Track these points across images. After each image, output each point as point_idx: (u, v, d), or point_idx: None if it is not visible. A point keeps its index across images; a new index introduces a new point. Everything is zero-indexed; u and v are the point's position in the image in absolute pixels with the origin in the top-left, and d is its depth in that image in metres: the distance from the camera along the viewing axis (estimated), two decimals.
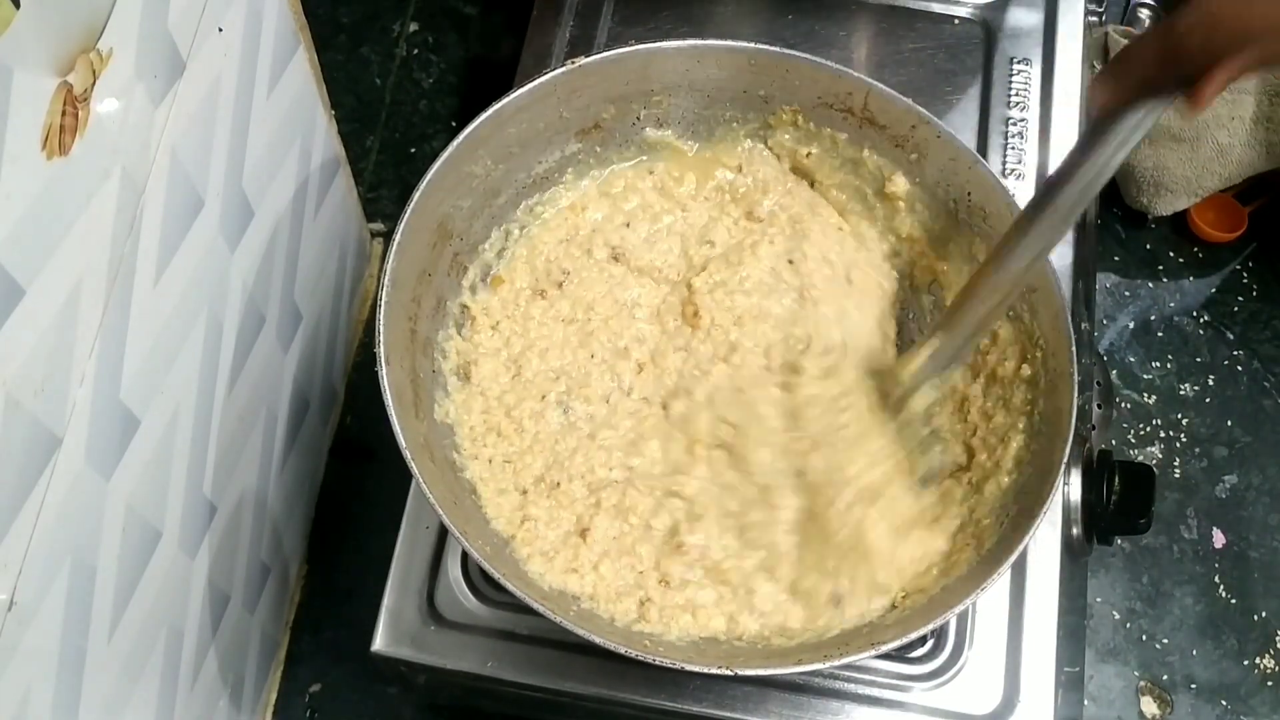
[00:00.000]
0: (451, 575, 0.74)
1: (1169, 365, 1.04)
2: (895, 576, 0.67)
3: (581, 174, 0.79)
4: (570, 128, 0.76)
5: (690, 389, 0.73)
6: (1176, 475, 1.00)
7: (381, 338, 0.64)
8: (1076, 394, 0.65)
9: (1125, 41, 1.02)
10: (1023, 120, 0.89)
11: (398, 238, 0.67)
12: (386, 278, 0.66)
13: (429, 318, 0.71)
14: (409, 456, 0.61)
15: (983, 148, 0.88)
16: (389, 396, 0.62)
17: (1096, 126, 0.56)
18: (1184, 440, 1.01)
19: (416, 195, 0.68)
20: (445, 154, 0.69)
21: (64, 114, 0.49)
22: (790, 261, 0.76)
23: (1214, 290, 1.07)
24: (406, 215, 0.67)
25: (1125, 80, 0.54)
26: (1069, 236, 0.85)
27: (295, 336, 0.87)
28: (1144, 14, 1.10)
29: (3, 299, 0.46)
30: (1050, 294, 0.69)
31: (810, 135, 0.78)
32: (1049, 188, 0.61)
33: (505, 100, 0.71)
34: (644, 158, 0.79)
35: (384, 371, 0.63)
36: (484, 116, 0.71)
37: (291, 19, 0.75)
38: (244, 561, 0.82)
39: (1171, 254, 1.08)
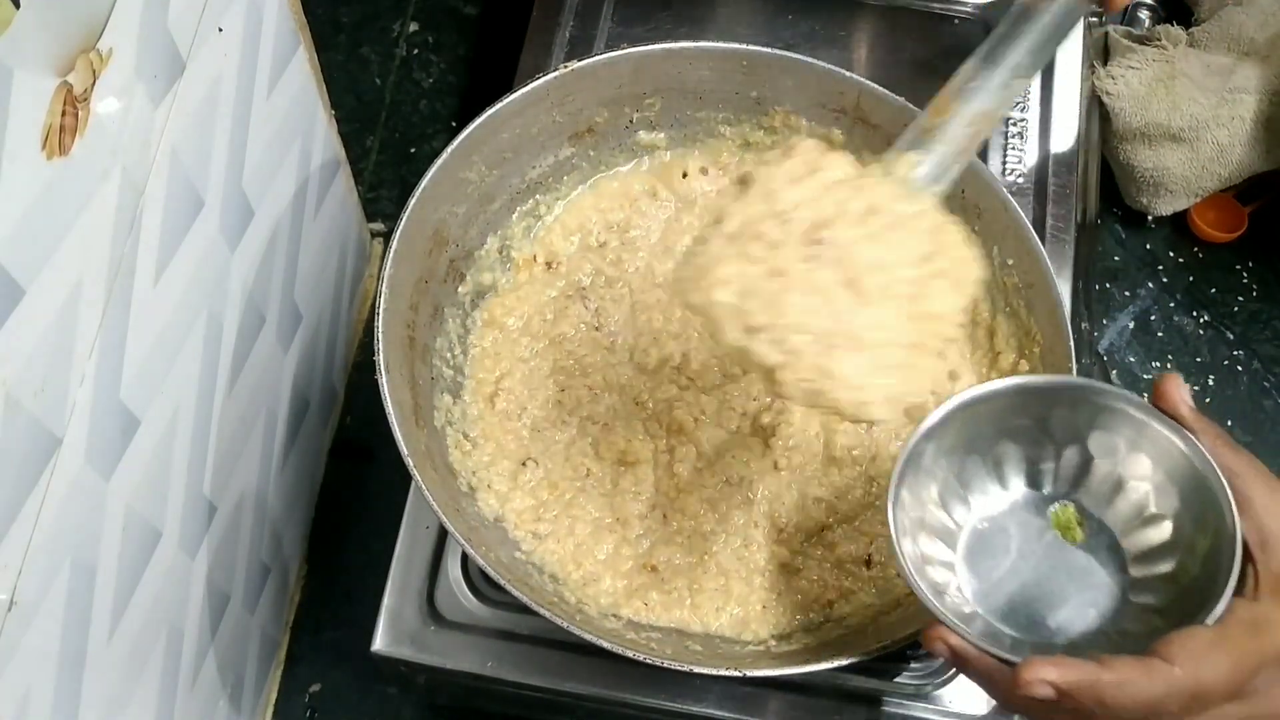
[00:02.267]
0: (451, 575, 0.74)
1: (1169, 365, 1.04)
2: None
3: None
4: (563, 132, 0.76)
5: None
6: None
7: (381, 346, 0.64)
8: None
9: (1126, 42, 1.02)
10: (1023, 120, 0.89)
11: (394, 245, 0.67)
12: (384, 286, 0.66)
13: (426, 325, 0.71)
14: (411, 465, 0.61)
15: (982, 148, 0.88)
16: (390, 406, 0.62)
17: None
18: None
19: (412, 203, 0.68)
20: (439, 161, 0.69)
21: (64, 114, 0.49)
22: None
23: (1214, 290, 1.07)
24: (402, 223, 0.67)
25: None
26: (1069, 234, 0.86)
27: (295, 336, 0.87)
28: (1144, 14, 1.10)
29: (3, 299, 0.46)
30: (1046, 289, 0.69)
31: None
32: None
33: (498, 105, 0.71)
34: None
35: (384, 380, 0.63)
36: (477, 122, 0.71)
37: (291, 19, 0.75)
38: (244, 561, 0.82)
39: (1171, 254, 1.08)
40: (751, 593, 0.69)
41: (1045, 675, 0.47)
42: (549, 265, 0.78)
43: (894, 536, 0.55)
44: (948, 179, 0.58)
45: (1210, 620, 0.49)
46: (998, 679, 0.51)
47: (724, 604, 0.69)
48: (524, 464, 0.72)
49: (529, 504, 0.71)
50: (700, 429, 0.72)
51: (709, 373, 0.74)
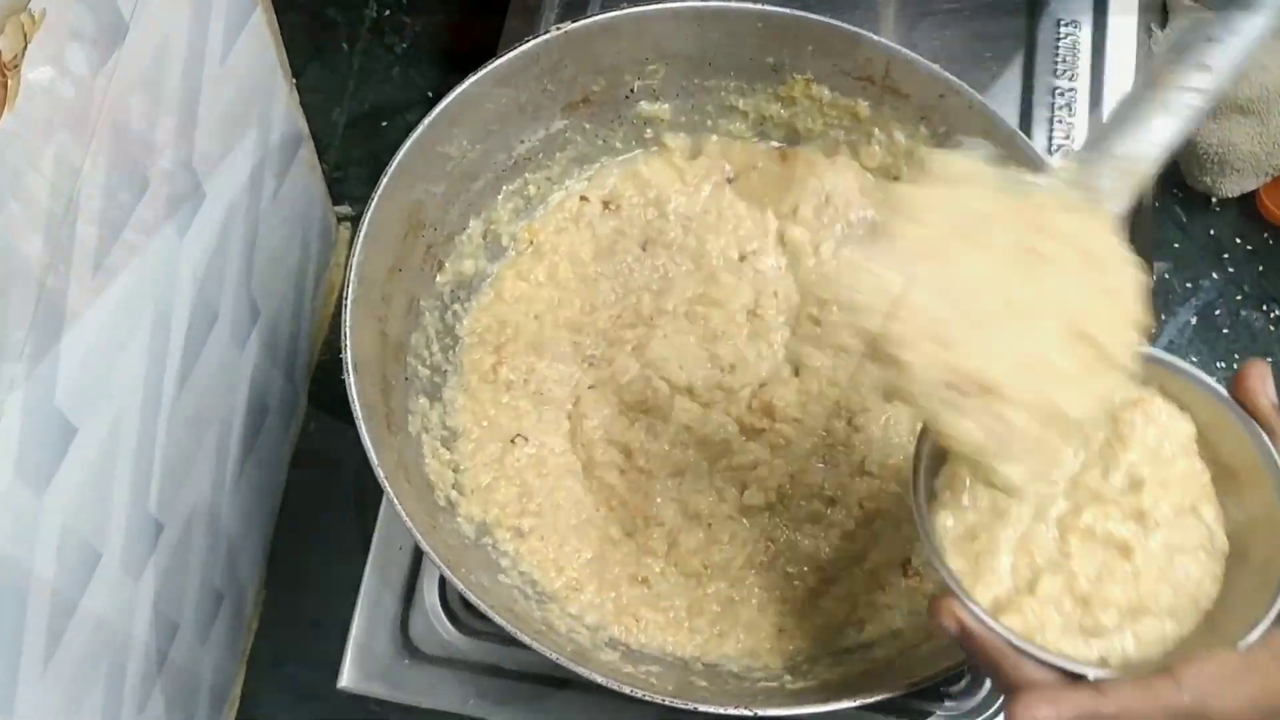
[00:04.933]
0: (428, 602, 0.74)
1: (1235, 364, 1.04)
2: None
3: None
4: (555, 102, 0.76)
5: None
6: None
7: (348, 343, 0.64)
8: None
9: (1187, 2, 1.02)
10: (1071, 90, 0.89)
11: (364, 230, 0.67)
12: (353, 275, 0.66)
13: (401, 319, 0.71)
14: (382, 476, 0.61)
15: (1026, 121, 0.88)
16: (358, 410, 0.62)
17: None
18: None
19: (384, 182, 0.68)
20: (415, 135, 0.70)
21: None
22: None
23: None
24: (373, 205, 0.68)
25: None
26: (1123, 218, 0.86)
27: (252, 334, 0.87)
28: None
29: None
30: None
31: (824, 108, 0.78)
32: None
33: (482, 72, 0.71)
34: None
35: (352, 381, 0.63)
36: (458, 91, 0.71)
37: None
38: (195, 586, 0.82)
39: (1238, 240, 1.08)
40: (764, 617, 0.69)
41: (1042, 715, 0.48)
42: (606, 205, 0.80)
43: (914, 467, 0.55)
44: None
45: (1242, 645, 0.49)
46: (1005, 667, 0.50)
47: (729, 628, 0.69)
48: (513, 440, 0.73)
49: (513, 493, 0.72)
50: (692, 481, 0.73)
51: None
